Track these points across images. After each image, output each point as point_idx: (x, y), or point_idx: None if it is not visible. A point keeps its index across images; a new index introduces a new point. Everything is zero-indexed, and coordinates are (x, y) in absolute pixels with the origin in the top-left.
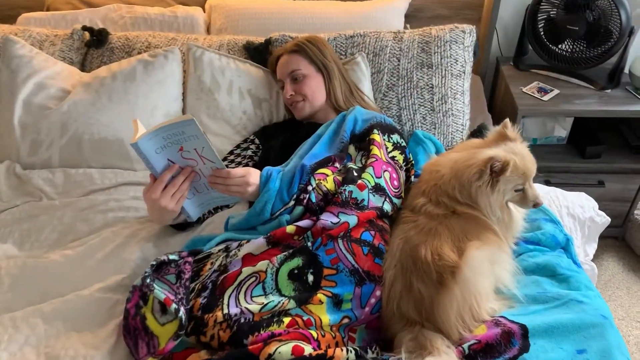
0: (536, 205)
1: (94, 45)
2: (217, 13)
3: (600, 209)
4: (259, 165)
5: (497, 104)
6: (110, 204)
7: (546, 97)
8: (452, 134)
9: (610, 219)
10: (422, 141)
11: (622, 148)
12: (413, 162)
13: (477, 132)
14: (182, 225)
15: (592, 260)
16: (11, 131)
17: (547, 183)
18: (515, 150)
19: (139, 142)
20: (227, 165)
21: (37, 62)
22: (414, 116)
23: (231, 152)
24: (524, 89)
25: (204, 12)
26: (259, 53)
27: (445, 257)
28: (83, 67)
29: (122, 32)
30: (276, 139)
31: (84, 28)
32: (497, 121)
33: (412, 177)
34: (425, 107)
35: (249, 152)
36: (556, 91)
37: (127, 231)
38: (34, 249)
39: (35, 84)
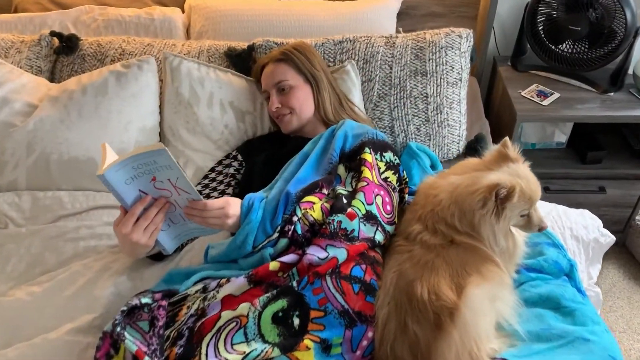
0: (541, 229)
1: (63, 53)
2: (197, 15)
3: (600, 215)
4: (242, 184)
5: (495, 108)
6: (81, 232)
7: (546, 102)
8: (447, 146)
9: (614, 238)
10: (416, 154)
11: (624, 152)
12: (407, 179)
13: (475, 142)
14: (159, 256)
15: None
16: None
17: (547, 190)
18: (519, 173)
19: (105, 173)
20: (208, 185)
21: (0, 74)
22: (407, 127)
23: (212, 169)
24: (523, 93)
25: (183, 13)
26: (242, 60)
27: (443, 296)
28: (52, 76)
29: (94, 36)
30: (260, 155)
31: (53, 33)
32: (495, 128)
33: (407, 196)
34: (419, 117)
35: (232, 170)
36: (556, 95)
37: (98, 264)
38: (0, 282)
39: None
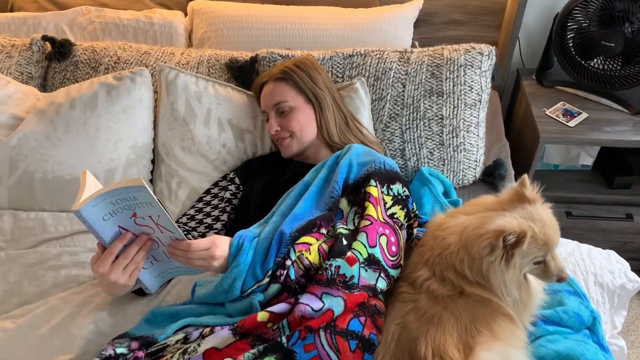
0: (560, 280)
1: (55, 59)
2: (199, 19)
3: (625, 243)
4: (238, 210)
5: (516, 126)
6: (63, 259)
7: (572, 123)
8: (463, 171)
9: None
10: (428, 181)
11: None
12: (417, 211)
13: (493, 168)
14: (143, 290)
15: None
16: None
17: (568, 215)
18: (535, 216)
19: (81, 209)
20: (201, 209)
21: None
22: (419, 151)
23: (208, 191)
24: (548, 112)
25: (185, 16)
26: (244, 73)
27: (448, 359)
28: (45, 82)
29: (90, 40)
30: (258, 181)
31: (45, 38)
32: (515, 148)
33: (415, 230)
34: (433, 140)
35: (228, 194)
36: (584, 115)
37: (78, 298)
38: None
39: None
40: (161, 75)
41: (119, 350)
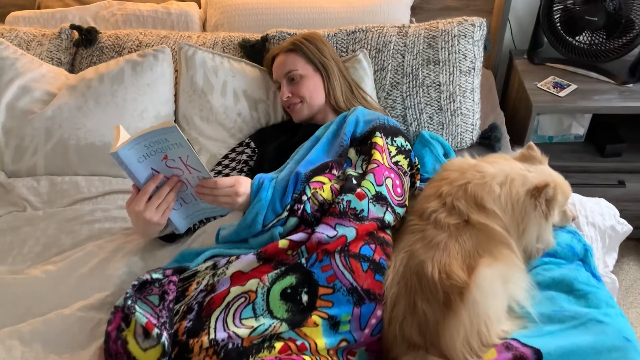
0: (574, 219)
1: (82, 45)
2: (212, 9)
3: (620, 210)
4: (254, 171)
5: (511, 101)
6: (96, 214)
7: (562, 93)
8: (461, 135)
9: (632, 228)
10: (429, 142)
11: None
12: (419, 166)
13: (489, 132)
14: (171, 237)
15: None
16: None
17: None
18: (552, 173)
19: (119, 151)
20: (220, 172)
21: (21, 64)
22: (420, 116)
23: (226, 157)
24: (539, 85)
25: (200, 7)
26: (256, 51)
27: (454, 276)
28: (72, 68)
29: (113, 30)
30: (272, 143)
31: (72, 27)
32: (510, 120)
33: (418, 182)
34: (432, 106)
35: (244, 157)
36: (573, 86)
37: (112, 245)
38: (17, 263)
39: (19, 87)
40: (181, 52)
41: (155, 276)
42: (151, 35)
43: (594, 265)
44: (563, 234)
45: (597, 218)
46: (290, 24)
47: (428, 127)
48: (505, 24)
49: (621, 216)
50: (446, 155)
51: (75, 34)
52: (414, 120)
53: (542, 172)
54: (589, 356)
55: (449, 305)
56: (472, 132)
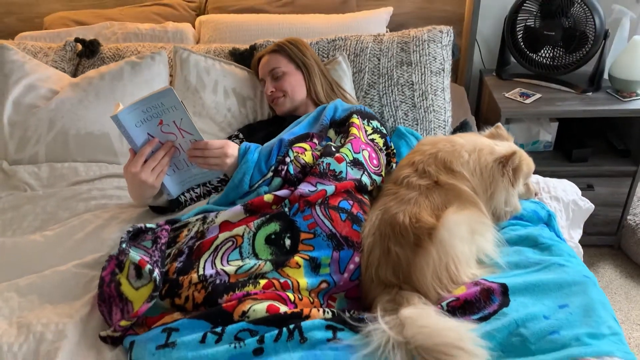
0: (536, 194)
1: (85, 56)
2: (206, 28)
3: (592, 216)
4: None
5: (482, 112)
6: (93, 193)
7: (528, 101)
8: (434, 130)
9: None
10: (405, 135)
11: (608, 152)
12: (394, 150)
13: (460, 128)
14: (163, 209)
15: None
16: (0, 130)
17: None
18: (518, 148)
19: (119, 114)
20: None
21: (29, 66)
22: (396, 112)
23: None
24: (507, 94)
25: (194, 28)
26: (244, 58)
27: (423, 220)
28: (75, 76)
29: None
30: (259, 134)
31: (76, 40)
32: (482, 127)
33: (394, 164)
34: (406, 103)
35: None
36: (538, 95)
37: (107, 214)
38: (16, 235)
39: (25, 85)
40: (176, 55)
41: (149, 226)
42: (149, 47)
43: (558, 228)
44: (528, 203)
45: (560, 193)
46: (277, 38)
47: (404, 123)
48: (473, 45)
49: (594, 223)
50: None
51: (79, 46)
52: (391, 117)
53: (510, 146)
54: (552, 290)
55: (419, 245)
56: (444, 127)
